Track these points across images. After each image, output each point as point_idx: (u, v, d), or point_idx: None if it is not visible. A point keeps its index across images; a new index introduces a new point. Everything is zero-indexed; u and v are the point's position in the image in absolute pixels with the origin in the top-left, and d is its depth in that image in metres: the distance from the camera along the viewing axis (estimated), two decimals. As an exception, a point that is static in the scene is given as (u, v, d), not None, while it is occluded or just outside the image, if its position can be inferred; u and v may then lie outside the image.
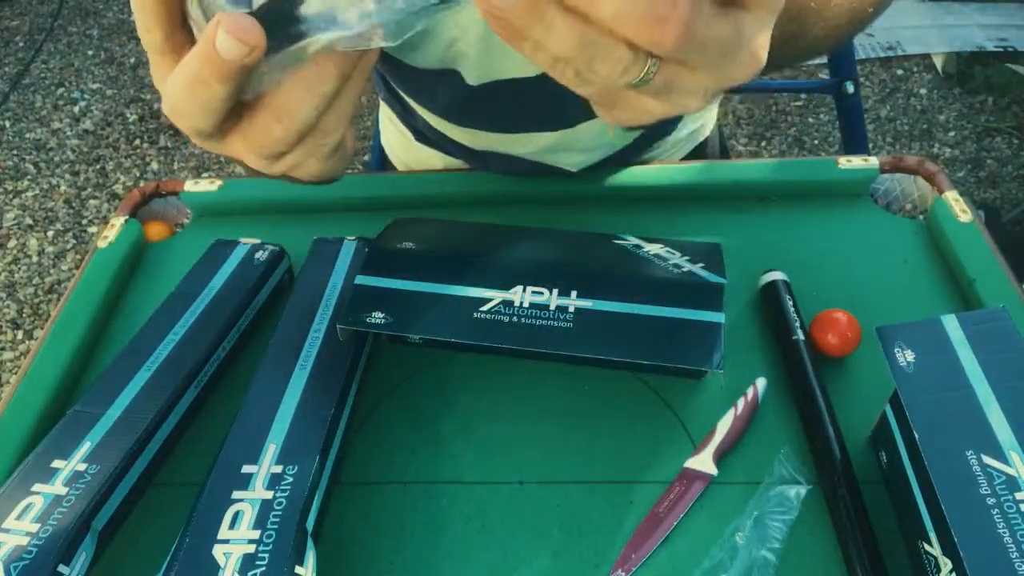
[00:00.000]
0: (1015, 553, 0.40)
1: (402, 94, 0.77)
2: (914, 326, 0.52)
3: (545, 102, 0.69)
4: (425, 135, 0.81)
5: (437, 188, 0.77)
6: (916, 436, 0.46)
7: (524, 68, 0.66)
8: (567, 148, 0.75)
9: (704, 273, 0.59)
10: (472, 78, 0.66)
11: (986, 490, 0.43)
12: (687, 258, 0.62)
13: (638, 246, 0.63)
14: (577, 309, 0.56)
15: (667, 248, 0.63)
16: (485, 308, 0.57)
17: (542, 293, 0.57)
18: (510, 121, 0.73)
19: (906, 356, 0.50)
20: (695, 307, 0.56)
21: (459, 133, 0.77)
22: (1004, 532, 0.41)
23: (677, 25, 0.27)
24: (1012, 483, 0.43)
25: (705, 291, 0.58)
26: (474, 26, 0.61)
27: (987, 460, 0.44)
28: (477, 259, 0.61)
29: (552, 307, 0.57)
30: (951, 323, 0.51)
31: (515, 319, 0.56)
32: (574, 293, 0.57)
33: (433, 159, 0.84)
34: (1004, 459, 0.44)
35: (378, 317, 0.57)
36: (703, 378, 0.60)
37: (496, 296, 0.57)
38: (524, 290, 0.57)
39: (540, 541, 0.52)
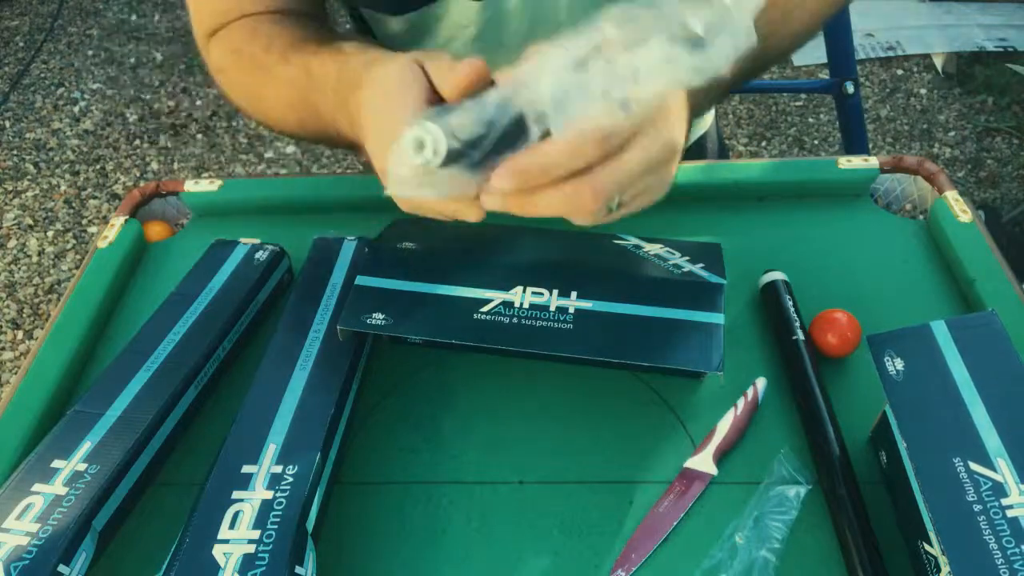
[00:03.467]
0: (1000, 559, 0.41)
1: None
2: (903, 333, 0.52)
3: None
4: None
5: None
6: (904, 445, 0.47)
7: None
8: None
9: (704, 273, 0.59)
10: None
11: (972, 497, 0.43)
12: (687, 258, 0.62)
13: (638, 246, 0.63)
14: (577, 310, 0.56)
15: (667, 248, 0.63)
16: (485, 309, 0.57)
17: (542, 294, 0.58)
18: None
19: (896, 364, 0.50)
20: (695, 308, 0.57)
21: None
22: (990, 538, 0.41)
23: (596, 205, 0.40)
24: (998, 489, 0.43)
25: (705, 291, 0.58)
26: (469, 27, 0.61)
27: (974, 466, 0.44)
28: (477, 259, 0.61)
29: (552, 308, 0.57)
30: (940, 329, 0.51)
31: (515, 320, 0.56)
32: (574, 294, 0.57)
33: None
34: (991, 465, 0.44)
35: (378, 318, 0.57)
36: (703, 378, 0.60)
37: (496, 297, 0.57)
38: (524, 291, 0.57)
39: (540, 541, 0.52)
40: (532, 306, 0.57)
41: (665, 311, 0.56)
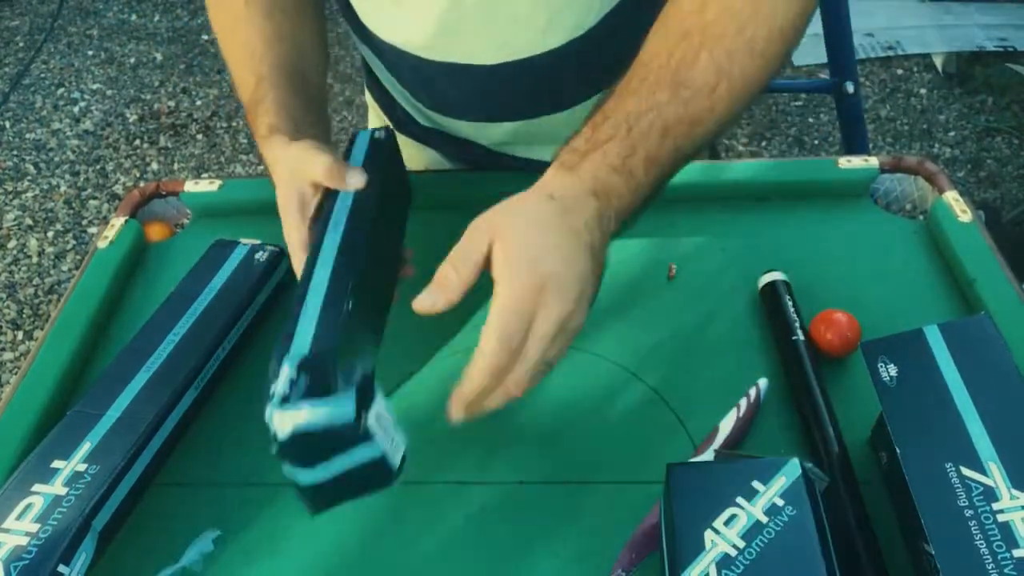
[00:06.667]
0: (991, 564, 0.41)
1: (381, 80, 0.79)
2: (897, 339, 0.52)
3: (500, 90, 0.70)
4: (406, 125, 0.82)
5: (432, 189, 0.77)
6: (898, 451, 0.47)
7: (476, 55, 0.66)
8: (528, 140, 0.76)
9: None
10: (428, 54, 0.68)
11: (964, 502, 0.43)
12: None
13: None
14: None
15: None
16: None
17: None
18: (468, 108, 0.74)
19: (889, 371, 0.50)
20: None
21: (432, 120, 0.78)
22: (981, 543, 0.42)
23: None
24: (989, 494, 0.43)
25: None
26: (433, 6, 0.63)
27: (966, 472, 0.44)
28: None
29: None
30: (933, 334, 0.51)
31: None
32: None
33: (415, 152, 0.85)
34: (982, 470, 0.44)
35: None
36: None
37: None
38: None
39: (540, 541, 0.52)
40: None
41: None
